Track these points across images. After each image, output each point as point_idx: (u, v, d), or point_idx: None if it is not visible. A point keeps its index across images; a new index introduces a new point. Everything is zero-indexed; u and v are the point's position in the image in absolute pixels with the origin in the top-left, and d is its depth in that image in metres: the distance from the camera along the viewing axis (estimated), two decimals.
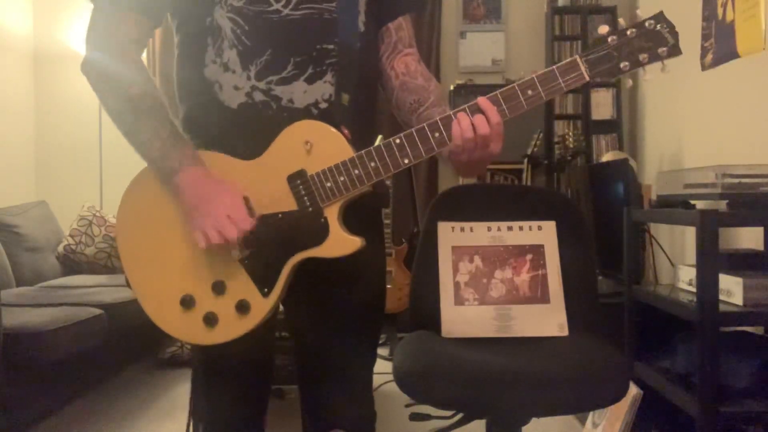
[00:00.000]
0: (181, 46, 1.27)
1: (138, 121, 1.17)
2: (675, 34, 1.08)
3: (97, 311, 2.94)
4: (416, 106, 1.26)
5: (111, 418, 2.82)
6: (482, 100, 1.10)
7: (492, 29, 4.53)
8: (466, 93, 4.13)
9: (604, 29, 1.10)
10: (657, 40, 1.08)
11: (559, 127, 4.24)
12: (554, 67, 1.09)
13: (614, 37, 1.09)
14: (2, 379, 2.38)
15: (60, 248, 3.90)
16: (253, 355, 1.32)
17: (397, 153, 1.13)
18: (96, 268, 3.88)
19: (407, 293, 2.20)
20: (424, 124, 1.13)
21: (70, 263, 3.88)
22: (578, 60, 1.09)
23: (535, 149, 3.88)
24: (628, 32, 1.09)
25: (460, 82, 4.28)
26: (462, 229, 1.70)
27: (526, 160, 3.85)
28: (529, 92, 1.09)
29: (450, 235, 1.69)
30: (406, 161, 1.13)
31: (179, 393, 3.14)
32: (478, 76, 4.39)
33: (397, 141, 1.13)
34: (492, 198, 1.87)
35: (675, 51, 1.09)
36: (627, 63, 1.09)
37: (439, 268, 1.67)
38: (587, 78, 1.09)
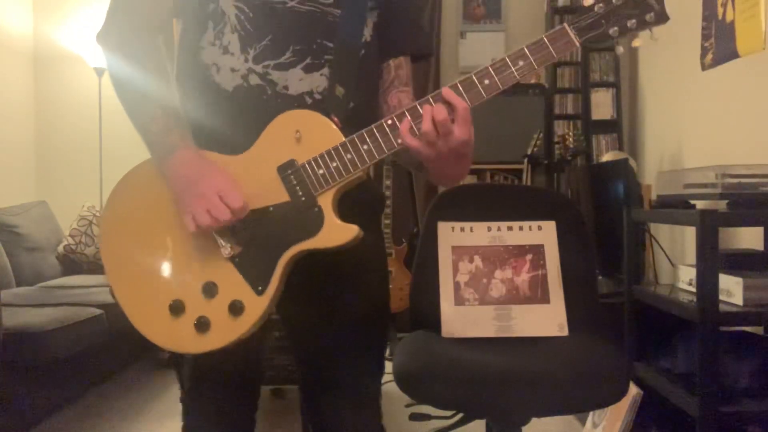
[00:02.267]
0: (182, 33, 1.26)
1: (145, 100, 1.16)
2: (660, 0, 1.08)
3: (97, 311, 2.94)
4: None
5: (111, 418, 2.82)
6: (446, 91, 1.08)
7: (492, 29, 4.53)
8: None
9: (588, 1, 1.10)
10: (643, 7, 1.08)
11: (559, 127, 4.24)
12: (543, 35, 1.08)
13: (601, 5, 1.09)
14: (2, 379, 2.38)
15: (60, 248, 3.90)
16: (243, 366, 1.27)
17: (389, 133, 1.09)
18: (96, 268, 3.88)
19: (407, 293, 2.20)
20: (416, 102, 1.10)
21: (70, 263, 3.88)
22: (567, 28, 1.08)
23: (535, 149, 3.88)
24: (614, 0, 1.09)
25: None
26: (462, 229, 1.69)
27: (526, 160, 3.85)
28: (520, 62, 1.08)
29: (450, 235, 1.69)
30: (399, 141, 1.09)
31: (179, 393, 3.13)
32: None
33: (389, 122, 1.10)
34: (492, 198, 1.87)
35: (662, 17, 1.08)
36: (616, 28, 1.09)
37: (439, 268, 1.66)
38: (577, 44, 1.08)
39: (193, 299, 1.11)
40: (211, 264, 1.11)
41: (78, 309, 2.87)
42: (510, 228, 1.70)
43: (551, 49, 1.08)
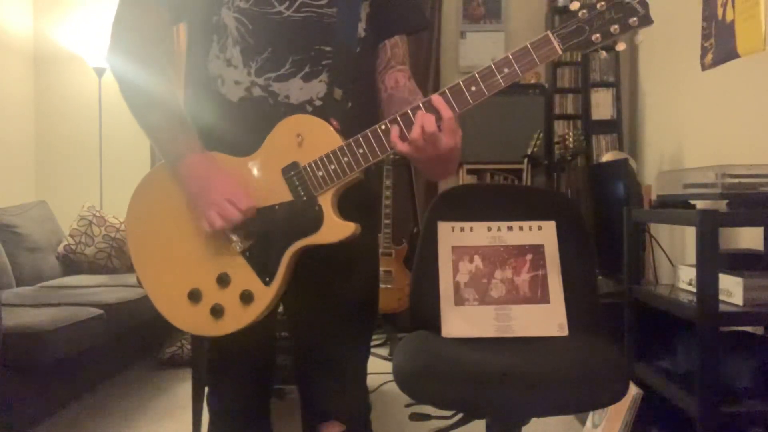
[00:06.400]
0: (189, 41, 1.34)
1: (151, 109, 1.24)
2: (645, 4, 1.10)
3: (97, 311, 2.93)
4: None
5: (111, 418, 2.82)
6: (435, 98, 1.14)
7: (492, 29, 4.53)
8: None
9: (575, 5, 1.12)
10: (627, 11, 1.10)
11: (559, 127, 4.24)
12: (528, 43, 1.12)
13: (584, 11, 1.11)
14: (2, 379, 2.38)
15: (60, 248, 3.89)
16: (258, 351, 1.39)
17: (383, 138, 1.17)
18: (96, 268, 3.88)
19: (407, 293, 2.20)
20: (407, 109, 1.16)
21: (70, 263, 3.88)
22: (550, 35, 1.12)
23: (535, 149, 3.87)
24: (598, 5, 1.11)
25: None
26: (462, 229, 1.70)
27: (526, 160, 3.84)
28: (505, 70, 1.12)
29: (450, 235, 1.69)
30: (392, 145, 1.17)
31: (179, 393, 3.13)
32: None
33: (383, 127, 1.17)
34: (492, 198, 1.87)
35: (646, 21, 1.10)
36: (599, 35, 1.11)
37: (439, 268, 1.66)
38: (559, 51, 1.12)
39: (208, 288, 1.23)
40: (224, 257, 1.23)
41: (78, 309, 2.87)
42: (510, 228, 1.70)
43: (534, 56, 1.12)
